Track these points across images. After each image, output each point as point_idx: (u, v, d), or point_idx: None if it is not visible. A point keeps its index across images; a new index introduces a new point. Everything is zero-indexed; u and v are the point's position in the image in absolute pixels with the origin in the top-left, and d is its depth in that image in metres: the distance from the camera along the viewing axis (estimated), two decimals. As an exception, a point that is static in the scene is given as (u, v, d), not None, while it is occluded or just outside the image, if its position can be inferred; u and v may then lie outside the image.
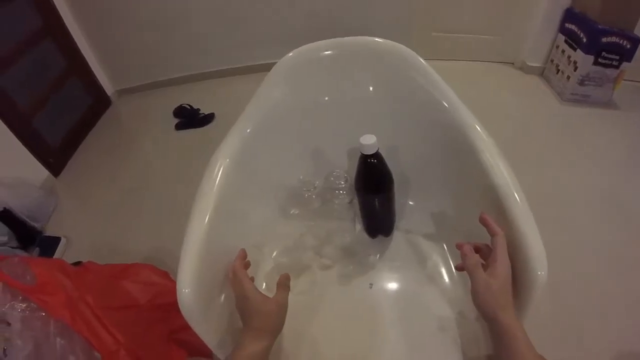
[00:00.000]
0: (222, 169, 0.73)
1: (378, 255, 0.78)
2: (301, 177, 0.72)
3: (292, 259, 0.77)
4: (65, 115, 2.41)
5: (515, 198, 0.61)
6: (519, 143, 1.99)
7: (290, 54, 0.87)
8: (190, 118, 2.43)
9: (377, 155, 0.65)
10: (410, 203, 0.86)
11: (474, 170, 0.69)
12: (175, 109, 2.52)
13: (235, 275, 0.61)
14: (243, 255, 0.65)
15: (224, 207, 0.68)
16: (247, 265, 0.66)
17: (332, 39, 0.85)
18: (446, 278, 0.74)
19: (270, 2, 2.50)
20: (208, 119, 2.42)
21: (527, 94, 2.42)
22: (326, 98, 0.87)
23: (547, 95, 2.38)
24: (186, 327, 1.16)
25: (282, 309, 0.59)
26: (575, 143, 2.02)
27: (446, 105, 0.75)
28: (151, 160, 2.26)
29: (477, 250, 0.60)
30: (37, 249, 1.70)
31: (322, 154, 0.88)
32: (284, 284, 0.63)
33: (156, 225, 1.78)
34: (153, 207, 1.89)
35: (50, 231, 1.83)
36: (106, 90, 2.78)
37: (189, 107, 2.50)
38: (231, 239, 0.71)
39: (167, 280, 1.28)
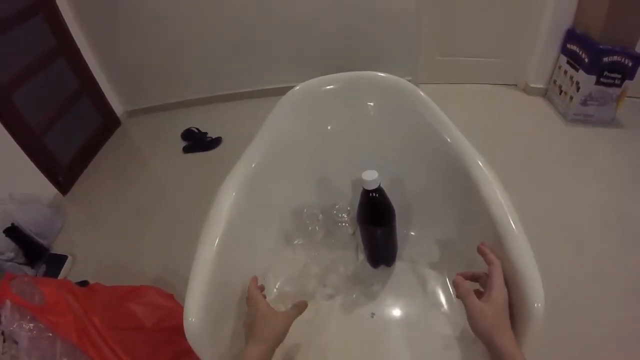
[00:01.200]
0: (229, 200, 0.75)
1: (380, 285, 0.79)
2: (305, 211, 0.74)
3: (296, 288, 0.79)
4: (75, 134, 2.47)
5: (514, 231, 0.62)
6: (524, 165, 2.00)
7: (297, 87, 0.91)
8: (197, 141, 2.48)
9: (378, 190, 0.67)
10: (412, 233, 0.87)
11: (474, 203, 0.70)
12: (184, 132, 2.56)
13: (250, 293, 0.66)
14: (255, 280, 0.70)
15: (231, 236, 0.70)
16: (261, 288, 0.71)
17: (337, 74, 0.89)
18: (447, 306, 0.75)
19: (283, 29, 2.55)
20: (215, 142, 2.46)
21: (531, 116, 2.43)
22: (330, 129, 0.89)
23: (550, 116, 2.39)
24: (191, 351, 1.18)
25: (287, 325, 0.63)
26: (580, 163, 2.02)
27: (448, 139, 0.78)
28: (159, 182, 2.29)
29: (476, 278, 0.62)
30: (43, 266, 1.72)
31: (327, 184, 0.91)
32: (298, 307, 0.67)
33: (163, 247, 1.80)
34: (160, 229, 1.91)
35: (57, 249, 1.86)
36: (116, 111, 2.84)
37: (196, 131, 2.54)
38: (237, 268, 0.73)
39: (173, 303, 1.29)
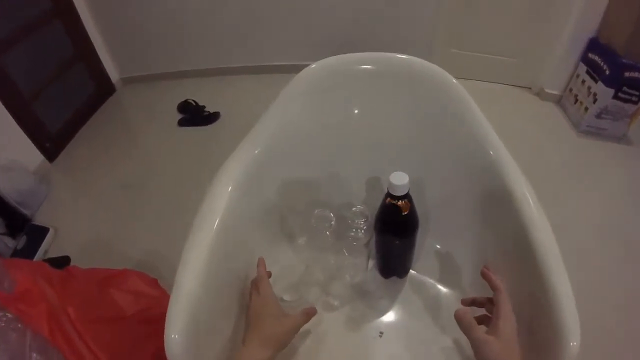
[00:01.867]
0: (224, 192, 0.65)
1: (390, 299, 0.71)
2: (316, 212, 0.65)
3: (295, 296, 0.70)
4: (67, 100, 2.35)
5: (557, 259, 0.55)
6: (532, 171, 1.91)
7: (314, 65, 0.80)
8: (194, 115, 2.36)
9: (407, 196, 0.58)
10: (431, 244, 0.78)
11: (508, 221, 0.62)
12: (180, 104, 2.44)
13: (260, 282, 0.60)
14: (264, 263, 0.65)
15: (225, 235, 0.61)
16: (269, 274, 0.66)
17: (367, 53, 0.78)
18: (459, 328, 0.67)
19: (295, 5, 2.43)
20: (213, 117, 2.34)
21: (543, 122, 2.36)
22: (349, 115, 0.79)
23: (562, 124, 2.32)
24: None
25: (295, 330, 0.58)
26: (589, 176, 1.98)
27: (491, 152, 0.69)
28: (151, 156, 2.18)
29: (481, 304, 0.58)
30: (24, 237, 1.64)
31: (338, 180, 0.81)
32: (308, 314, 0.61)
33: (152, 227, 1.71)
34: (149, 207, 1.82)
35: (39, 220, 1.76)
36: (111, 77, 2.71)
37: (194, 104, 2.42)
38: (231, 272, 0.64)
39: (157, 290, 1.21)
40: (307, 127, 0.78)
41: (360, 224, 0.64)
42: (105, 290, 1.07)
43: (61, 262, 1.47)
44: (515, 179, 0.66)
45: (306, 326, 0.60)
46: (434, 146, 0.76)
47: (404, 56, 0.77)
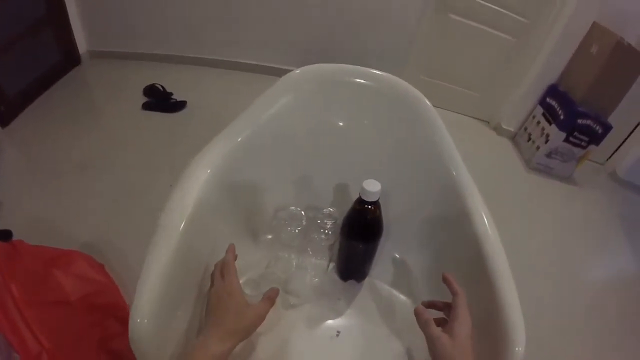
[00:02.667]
0: (202, 178, 0.65)
1: (347, 301, 0.73)
2: (291, 208, 0.66)
3: (255, 293, 0.70)
4: (29, 64, 2.20)
5: (502, 271, 0.61)
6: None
7: (298, 71, 0.82)
8: (160, 100, 2.29)
9: (376, 203, 0.61)
10: (389, 252, 0.82)
11: (464, 236, 0.67)
12: (147, 87, 2.36)
13: (227, 268, 0.58)
14: (234, 249, 0.63)
15: (195, 223, 0.60)
16: (235, 258, 0.63)
17: (351, 66, 0.81)
18: (414, 334, 0.70)
19: (277, 5, 2.44)
20: (179, 106, 2.28)
21: (496, 155, 2.52)
22: (328, 126, 0.82)
23: (514, 160, 2.49)
24: (119, 335, 1.04)
25: (259, 320, 0.57)
26: (534, 210, 2.13)
27: (453, 172, 0.74)
28: (110, 136, 2.08)
29: (440, 308, 0.60)
30: (-35, 207, 1.50)
31: (308, 182, 0.83)
32: (271, 298, 0.60)
33: (102, 210, 1.63)
34: (102, 189, 1.73)
35: (-18, 189, 1.62)
36: (79, 48, 2.56)
37: (161, 89, 2.36)
38: (196, 260, 0.64)
39: (104, 277, 1.17)
40: (284, 130, 0.80)
41: (329, 225, 0.66)
42: (50, 270, 1.01)
43: (3, 236, 1.37)
44: (473, 198, 0.72)
45: (265, 324, 0.61)
46: (404, 161, 0.81)
47: (383, 73, 0.81)
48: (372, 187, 0.59)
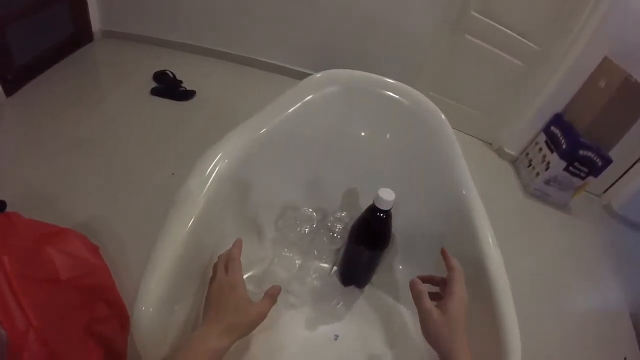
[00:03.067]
0: (217, 169, 0.65)
1: (347, 307, 0.73)
2: (304, 209, 0.66)
3: (257, 291, 0.70)
4: (41, 35, 2.17)
5: (508, 295, 0.62)
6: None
7: (319, 75, 0.82)
8: (169, 87, 2.28)
9: (388, 212, 0.61)
10: (393, 263, 0.82)
11: (469, 254, 0.68)
12: (157, 72, 2.35)
13: (232, 262, 0.57)
14: (241, 244, 0.61)
15: (206, 216, 0.60)
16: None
17: (378, 76, 0.82)
18: (412, 343, 0.71)
19: (298, 9, 2.45)
20: (188, 95, 2.27)
21: (496, 177, 2.54)
22: (344, 132, 0.82)
23: (512, 183, 2.51)
24: (108, 320, 1.02)
25: (261, 318, 0.55)
26: (527, 235, 2.14)
27: (464, 192, 0.75)
28: (116, 117, 2.06)
29: (437, 283, 0.60)
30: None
31: (319, 185, 0.83)
32: (273, 296, 0.59)
33: (101, 191, 1.61)
34: (103, 170, 1.71)
35: (-18, 155, 1.60)
36: (92, 25, 2.54)
37: (171, 76, 2.35)
38: (201, 252, 0.63)
39: (97, 259, 1.14)
40: (300, 131, 0.80)
41: (338, 229, 0.66)
42: (43, 246, 0.99)
43: (-2, 207, 1.35)
44: (480, 218, 0.73)
45: (265, 322, 0.60)
46: (417, 175, 0.81)
47: (413, 90, 0.82)
48: (387, 196, 0.59)
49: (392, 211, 0.63)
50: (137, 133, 1.97)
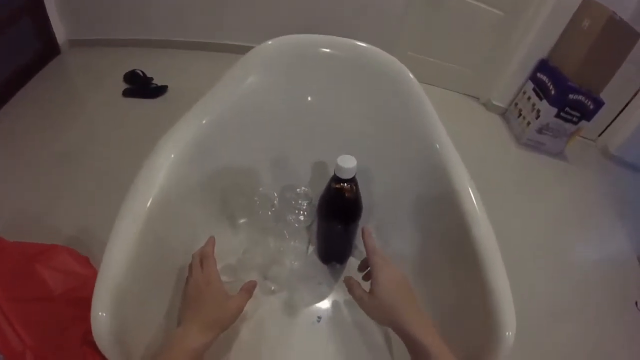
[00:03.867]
0: (167, 161, 0.62)
1: (329, 285, 0.71)
2: (261, 190, 0.63)
3: (233, 279, 0.68)
4: (8, 57, 2.12)
5: (494, 253, 0.58)
6: (471, 176, 2.03)
7: (270, 42, 0.77)
8: (141, 86, 2.24)
9: (353, 180, 0.58)
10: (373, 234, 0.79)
11: (450, 216, 0.64)
12: (127, 73, 2.31)
13: (206, 258, 0.58)
14: (213, 241, 0.62)
15: (163, 207, 0.58)
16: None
17: (327, 36, 0.76)
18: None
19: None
20: (160, 91, 2.23)
21: (486, 131, 2.49)
22: (303, 101, 0.78)
23: (504, 136, 2.46)
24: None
25: (238, 311, 0.55)
26: (524, 187, 2.11)
27: (437, 145, 0.71)
28: (92, 125, 2.03)
29: (365, 266, 0.61)
30: (-59, 204, 1.46)
31: (284, 161, 0.80)
32: (249, 290, 0.59)
33: (85, 201, 1.59)
34: (85, 179, 1.69)
35: (-36, 186, 1.58)
36: (57, 38, 2.48)
37: (141, 74, 2.30)
38: (168, 246, 0.61)
39: (88, 269, 1.14)
40: (257, 105, 0.76)
41: (303, 205, 0.64)
42: (32, 266, 0.99)
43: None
44: (460, 177, 0.68)
45: (244, 310, 0.59)
46: (385, 138, 0.77)
47: (365, 44, 0.77)
48: (347, 163, 0.55)
49: (363, 179, 0.60)
50: (115, 137, 1.94)
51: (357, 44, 0.78)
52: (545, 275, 1.63)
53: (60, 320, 0.94)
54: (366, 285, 0.57)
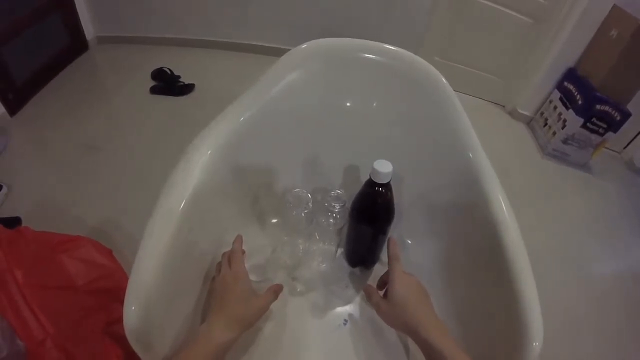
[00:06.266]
0: (203, 158, 0.63)
1: (356, 289, 0.71)
2: (296, 191, 0.63)
3: (261, 278, 0.68)
4: (37, 51, 2.18)
5: (524, 262, 0.57)
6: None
7: (305, 46, 0.77)
8: (168, 84, 2.27)
9: (387, 185, 0.57)
10: (401, 238, 0.78)
11: (481, 224, 0.63)
12: (155, 71, 2.35)
13: (234, 255, 0.58)
14: (241, 240, 0.63)
15: (197, 205, 0.58)
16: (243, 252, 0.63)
17: (364, 41, 0.76)
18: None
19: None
20: (187, 89, 2.26)
21: (512, 140, 2.45)
22: (338, 104, 0.78)
23: (529, 145, 2.42)
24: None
25: (263, 310, 0.56)
26: (548, 198, 2.07)
27: (470, 155, 0.70)
28: (118, 121, 2.07)
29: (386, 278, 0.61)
30: (-26, 193, 1.51)
31: (316, 163, 0.80)
32: (275, 291, 0.59)
33: (110, 194, 1.62)
34: (110, 173, 1.73)
35: (-7, 176, 1.63)
36: (86, 34, 2.55)
37: (169, 72, 2.34)
38: (198, 246, 0.61)
39: (111, 261, 1.15)
40: (292, 106, 0.76)
41: (337, 208, 0.63)
42: (56, 256, 1.01)
43: (12, 223, 1.37)
44: (491, 183, 0.67)
45: (270, 309, 0.59)
46: (418, 142, 0.77)
47: (399, 49, 0.76)
48: (384, 168, 0.55)
49: (394, 183, 0.59)
50: (141, 133, 1.98)
51: (391, 49, 0.77)
52: (565, 287, 1.60)
53: (81, 310, 0.95)
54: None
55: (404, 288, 0.53)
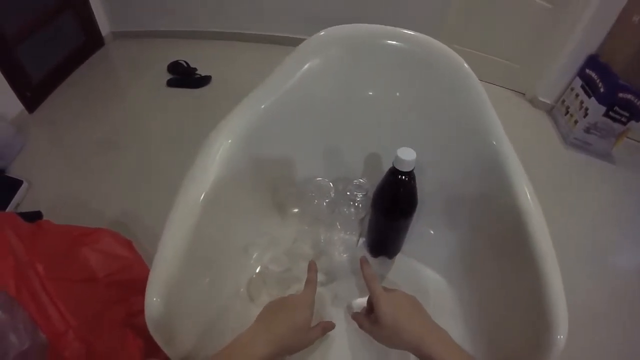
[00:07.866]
0: (224, 148, 0.62)
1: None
2: (318, 180, 0.62)
3: (282, 269, 0.68)
4: (52, 48, 2.22)
5: (550, 253, 0.55)
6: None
7: (322, 33, 0.75)
8: (184, 76, 2.28)
9: (411, 174, 0.56)
10: (423, 228, 0.77)
11: (505, 213, 0.62)
12: (171, 64, 2.36)
13: (308, 283, 0.58)
14: (315, 268, 0.62)
15: (217, 195, 0.58)
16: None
17: (384, 26, 0.74)
18: (450, 313, 0.67)
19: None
20: (204, 81, 2.27)
21: (532, 129, 2.39)
22: (359, 92, 0.76)
23: (550, 134, 2.36)
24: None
25: (307, 345, 0.54)
26: (571, 189, 2.01)
27: (494, 142, 0.68)
28: (136, 114, 2.09)
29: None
30: (-5, 189, 1.54)
31: (338, 153, 0.78)
32: (325, 327, 0.57)
33: (129, 187, 1.64)
34: (129, 166, 1.75)
35: (13, 172, 1.67)
36: (101, 30, 2.57)
37: (185, 65, 2.35)
38: (219, 235, 0.61)
39: (131, 253, 1.16)
40: (311, 95, 0.75)
41: (359, 197, 0.62)
42: (77, 248, 1.02)
43: (32, 218, 1.40)
44: (516, 172, 0.65)
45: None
46: (441, 130, 0.75)
47: (424, 36, 0.74)
48: (407, 156, 0.54)
49: (417, 172, 0.58)
50: (159, 126, 1.99)
51: (412, 34, 0.75)
52: (586, 278, 1.56)
53: (102, 301, 0.96)
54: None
55: (391, 307, 0.51)
